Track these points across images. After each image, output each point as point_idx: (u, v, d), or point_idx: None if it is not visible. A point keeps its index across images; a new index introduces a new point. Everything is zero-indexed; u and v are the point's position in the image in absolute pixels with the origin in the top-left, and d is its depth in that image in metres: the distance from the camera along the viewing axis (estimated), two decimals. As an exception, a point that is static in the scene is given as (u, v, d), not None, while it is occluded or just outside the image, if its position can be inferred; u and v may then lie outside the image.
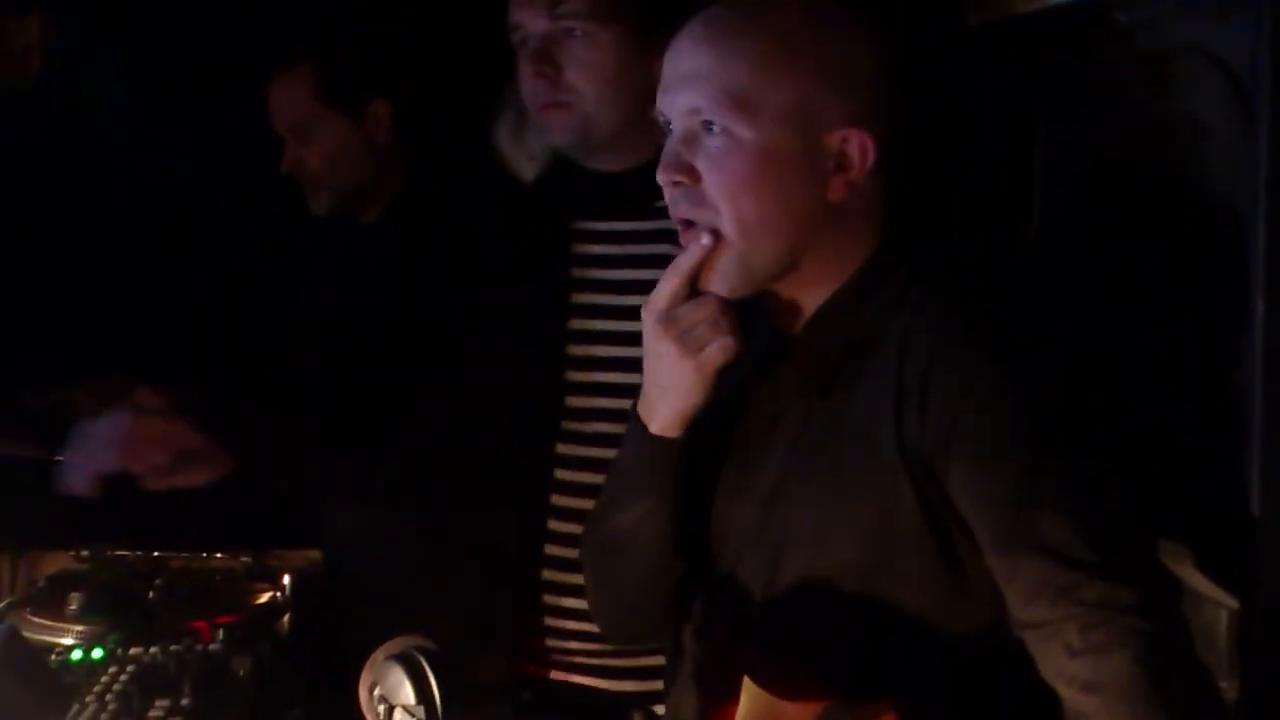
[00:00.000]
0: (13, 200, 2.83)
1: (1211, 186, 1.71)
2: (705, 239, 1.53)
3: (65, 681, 1.64)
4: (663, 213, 1.91)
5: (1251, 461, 1.60)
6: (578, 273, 2.08)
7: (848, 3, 1.59)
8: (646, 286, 1.89)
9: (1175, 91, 1.77)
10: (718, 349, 1.55)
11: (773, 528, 1.59)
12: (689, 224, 1.55)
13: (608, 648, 2.01)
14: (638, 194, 1.97)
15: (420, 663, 1.46)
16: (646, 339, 1.59)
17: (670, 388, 1.59)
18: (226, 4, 2.94)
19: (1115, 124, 1.92)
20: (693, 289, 1.56)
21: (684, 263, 1.54)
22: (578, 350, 2.06)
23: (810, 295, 1.59)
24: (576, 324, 2.06)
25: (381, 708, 1.47)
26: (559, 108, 1.99)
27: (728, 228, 1.52)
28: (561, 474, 2.06)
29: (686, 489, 1.65)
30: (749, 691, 1.39)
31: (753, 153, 1.50)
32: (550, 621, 2.07)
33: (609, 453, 1.87)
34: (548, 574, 2.06)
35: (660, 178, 1.57)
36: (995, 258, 2.14)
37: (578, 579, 1.91)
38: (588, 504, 1.90)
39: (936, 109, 2.10)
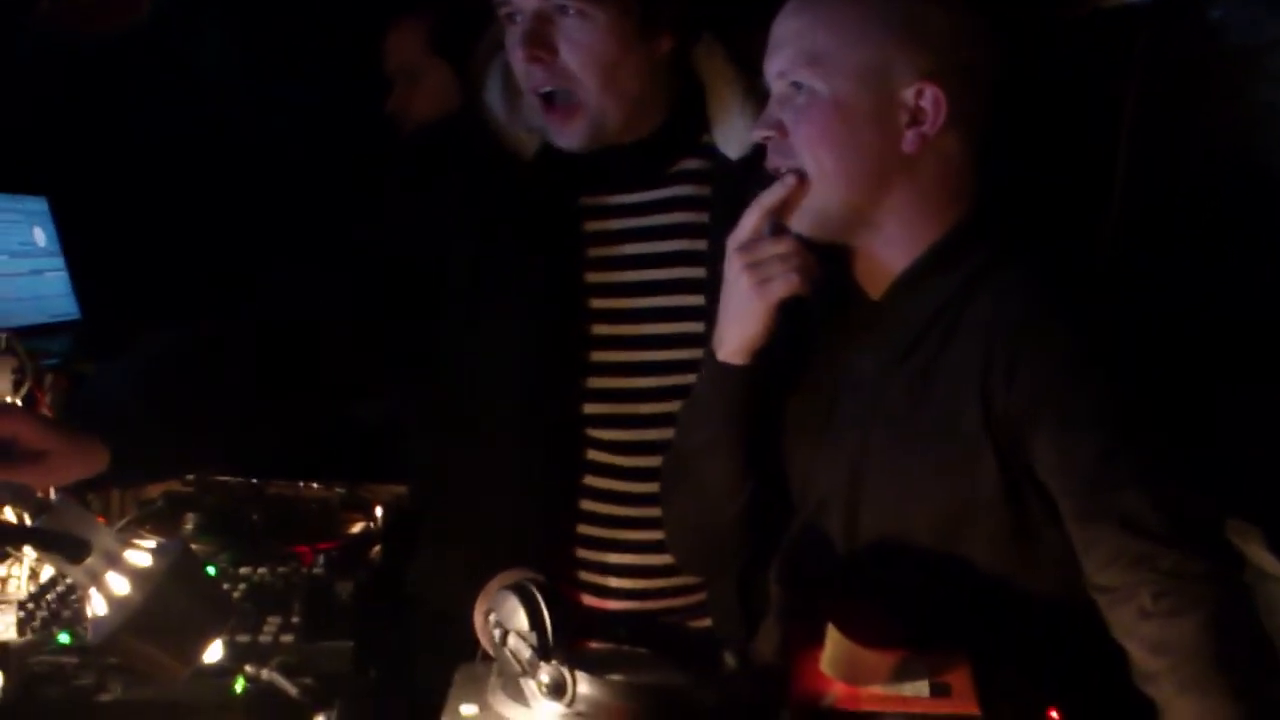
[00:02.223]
0: (115, 145, 2.93)
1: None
2: (790, 178, 1.66)
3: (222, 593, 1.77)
4: (674, 179, 2.01)
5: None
6: (595, 251, 2.01)
7: None
8: (669, 258, 2.00)
9: (1264, 85, 1.84)
10: (783, 282, 1.68)
11: (854, 485, 1.70)
12: (778, 172, 1.69)
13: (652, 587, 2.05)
14: (647, 164, 1.99)
15: (533, 593, 1.54)
16: (725, 268, 1.73)
17: (737, 315, 1.72)
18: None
19: (1204, 115, 1.97)
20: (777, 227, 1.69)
21: (767, 199, 1.68)
22: (604, 330, 2.01)
23: (894, 258, 1.70)
24: (599, 303, 2.01)
25: (497, 632, 1.55)
26: (566, 112, 1.91)
27: (809, 172, 1.65)
28: (597, 455, 2.04)
29: (754, 422, 1.77)
30: (833, 637, 1.47)
31: (829, 106, 1.64)
32: (589, 600, 2.07)
33: (652, 434, 1.98)
34: (582, 552, 2.07)
35: (754, 134, 1.73)
36: (1082, 240, 2.19)
37: (613, 558, 2.04)
38: (631, 485, 2.01)
39: (1029, 95, 2.13)
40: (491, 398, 2.05)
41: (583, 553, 2.08)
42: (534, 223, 2.01)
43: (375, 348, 2.05)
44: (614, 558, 2.07)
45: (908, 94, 1.64)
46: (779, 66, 1.69)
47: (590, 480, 2.05)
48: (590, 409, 2.03)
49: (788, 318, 1.74)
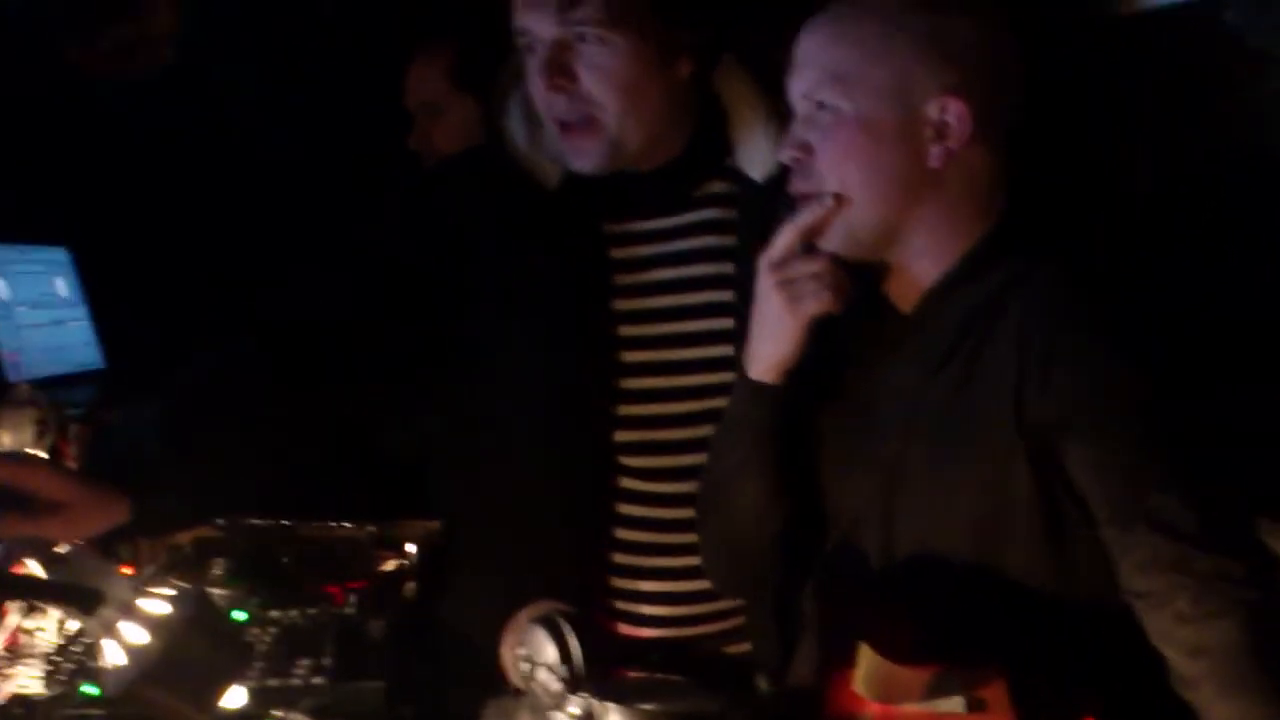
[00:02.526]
0: (146, 184, 2.94)
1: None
2: (827, 199, 1.65)
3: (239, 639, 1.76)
4: (699, 203, 2.00)
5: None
6: (622, 278, 1.99)
7: None
8: (697, 283, 1.99)
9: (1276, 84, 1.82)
10: (816, 300, 1.67)
11: (889, 498, 1.68)
12: (805, 196, 1.68)
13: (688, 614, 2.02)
14: (673, 189, 1.97)
15: (562, 625, 1.54)
16: (757, 286, 1.72)
17: (770, 334, 1.71)
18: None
19: (1223, 118, 1.96)
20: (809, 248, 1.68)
21: (802, 220, 1.67)
22: (635, 356, 1.99)
23: (924, 270, 1.69)
24: (628, 331, 1.98)
25: (526, 667, 1.55)
26: (583, 132, 1.88)
27: (837, 192, 1.65)
28: (629, 483, 2.01)
29: (787, 442, 1.76)
30: (865, 655, 1.45)
31: (854, 124, 1.63)
32: (623, 629, 2.04)
33: (684, 459, 1.96)
34: (615, 581, 2.04)
35: (780, 155, 1.72)
36: (1106, 243, 2.17)
37: (647, 585, 2.02)
38: (663, 512, 1.99)
39: (1052, 101, 2.12)
40: (523, 428, 2.03)
41: (616, 581, 2.04)
42: (560, 252, 1.99)
43: (399, 373, 2.04)
44: (648, 585, 2.05)
45: (932, 109, 1.63)
46: (802, 87, 1.69)
47: (623, 508, 2.02)
48: (621, 436, 2.00)
49: (819, 335, 1.72)
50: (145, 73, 3.09)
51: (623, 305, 1.99)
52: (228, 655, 1.52)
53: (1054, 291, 1.62)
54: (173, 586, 1.69)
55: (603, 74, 1.85)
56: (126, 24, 3.11)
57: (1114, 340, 1.57)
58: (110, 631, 1.45)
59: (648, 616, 2.05)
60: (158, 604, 1.48)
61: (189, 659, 1.45)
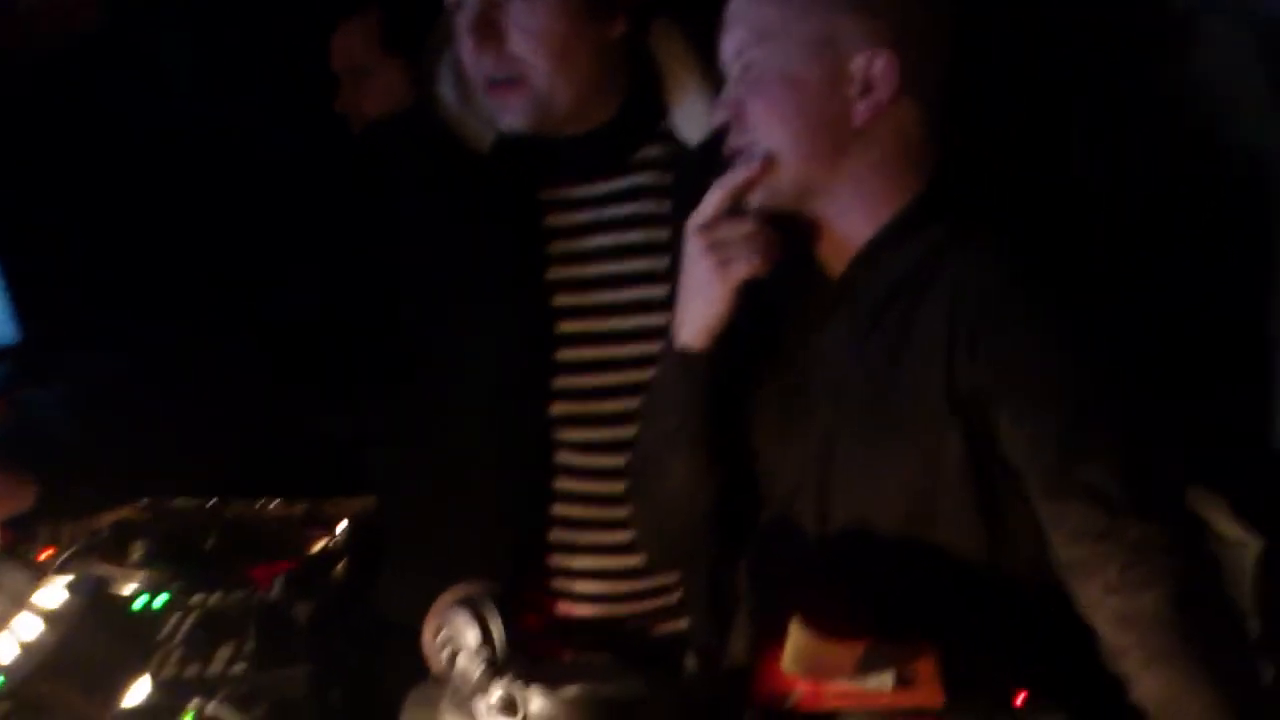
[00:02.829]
0: (65, 155, 2.87)
1: (1241, 140, 1.75)
2: (755, 160, 1.64)
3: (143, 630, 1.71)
4: (634, 168, 1.97)
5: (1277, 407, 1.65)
6: (556, 246, 1.96)
7: None
8: (633, 250, 1.96)
9: (1207, 49, 1.81)
10: (745, 263, 1.65)
11: (823, 469, 1.66)
12: (738, 153, 1.66)
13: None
14: (607, 153, 1.95)
15: (484, 608, 1.49)
16: (685, 250, 1.69)
17: (697, 298, 1.69)
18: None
19: (1151, 81, 1.95)
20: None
21: (730, 181, 1.65)
22: (571, 326, 1.96)
23: (854, 230, 1.66)
24: (563, 300, 1.96)
25: (446, 650, 1.50)
26: (510, 88, 1.86)
27: (765, 146, 1.63)
28: (566, 457, 1.98)
29: (718, 411, 1.73)
30: (795, 632, 1.44)
31: (780, 80, 1.63)
32: (560, 607, 2.01)
33: (622, 432, 1.92)
34: (551, 558, 2.01)
35: (714, 118, 1.70)
36: (1038, 210, 2.17)
37: (581, 562, 1.99)
38: (600, 486, 1.96)
39: (980, 65, 2.12)
40: (459, 399, 2.00)
41: (553, 558, 2.01)
42: (493, 218, 1.96)
43: (341, 350, 2.01)
44: (581, 561, 2.01)
45: (858, 63, 1.61)
46: (733, 46, 1.68)
47: (559, 483, 1.99)
48: (558, 409, 1.97)
49: (749, 301, 1.69)
50: (69, 40, 3.01)
51: (557, 273, 1.96)
52: (131, 647, 1.46)
53: (988, 259, 1.59)
54: (76, 574, 1.65)
55: (531, 32, 1.83)
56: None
57: (1043, 307, 1.56)
58: (3, 625, 1.39)
59: (581, 594, 2.02)
60: (55, 594, 1.42)
61: (88, 652, 1.40)
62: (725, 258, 1.65)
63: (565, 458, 1.98)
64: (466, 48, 1.87)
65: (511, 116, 1.89)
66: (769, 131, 1.63)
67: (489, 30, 1.83)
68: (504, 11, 1.83)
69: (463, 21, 1.86)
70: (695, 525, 1.80)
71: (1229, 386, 1.82)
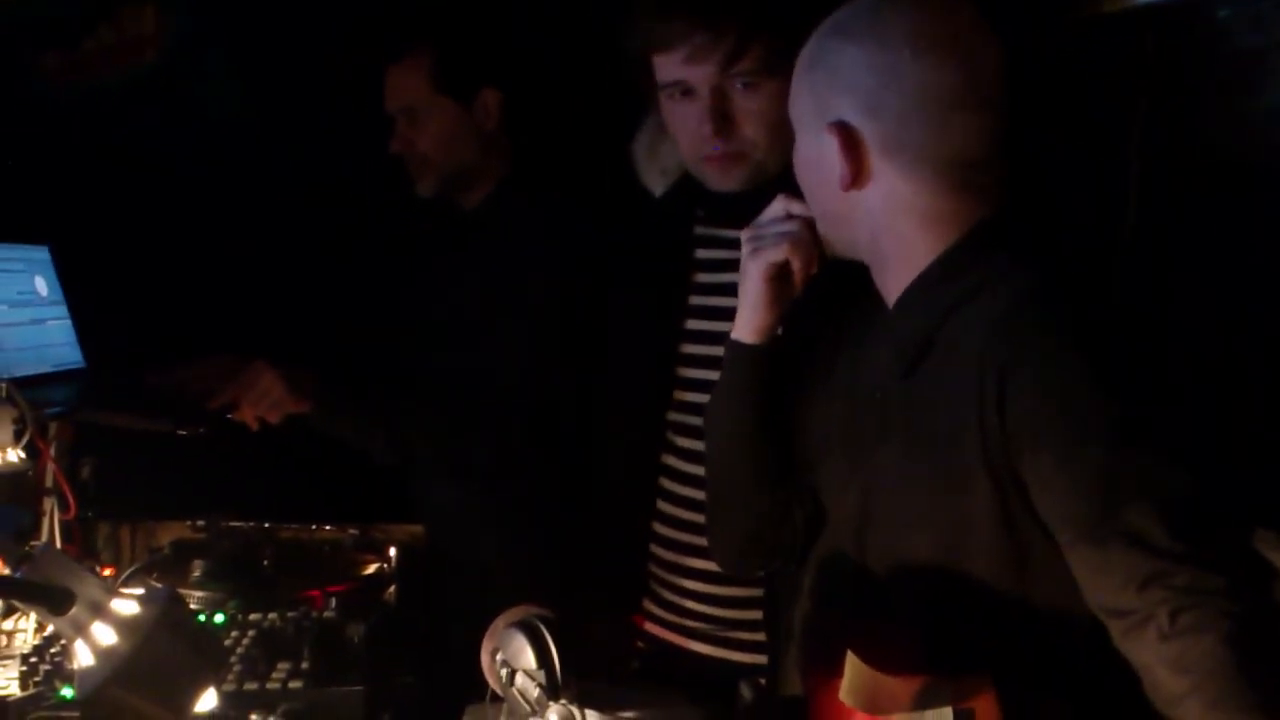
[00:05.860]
0: (131, 188, 2.92)
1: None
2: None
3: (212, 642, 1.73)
4: None
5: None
6: (699, 276, 2.15)
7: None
8: None
9: (1270, 85, 1.81)
10: (774, 249, 1.72)
11: (865, 501, 1.67)
12: None
13: (722, 615, 2.09)
14: (754, 208, 1.95)
15: (541, 629, 1.52)
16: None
17: (742, 291, 1.77)
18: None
19: (1212, 117, 1.94)
20: None
21: (793, 199, 1.74)
22: (692, 349, 2.13)
23: (903, 275, 1.65)
24: (693, 324, 2.13)
25: (504, 671, 1.53)
26: (734, 160, 2.03)
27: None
28: (674, 462, 2.14)
29: (778, 427, 1.80)
30: (852, 664, 1.41)
31: (798, 157, 1.71)
32: (668, 597, 2.15)
33: None
34: (660, 553, 2.16)
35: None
36: (1090, 250, 2.17)
37: (696, 563, 2.09)
38: (698, 493, 2.04)
39: (1034, 103, 2.12)
40: (613, 393, 2.26)
41: (662, 553, 2.17)
42: (659, 248, 2.21)
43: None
44: (691, 561, 2.13)
45: (823, 138, 1.63)
46: None
47: (665, 483, 2.16)
48: (672, 417, 2.15)
49: (814, 327, 1.78)
50: (127, 77, 3.08)
51: (695, 300, 2.15)
52: (202, 658, 1.49)
53: (1012, 306, 1.56)
54: (145, 587, 1.67)
55: (759, 117, 2.00)
56: (109, 27, 3.10)
57: (1074, 354, 1.50)
58: (81, 632, 1.42)
59: (689, 591, 2.14)
60: (129, 605, 1.45)
61: (161, 661, 1.42)
62: (758, 246, 1.73)
63: (671, 461, 2.15)
64: (690, 127, 2.04)
65: (732, 182, 2.05)
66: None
67: (724, 116, 2.00)
68: (734, 102, 2.00)
69: (691, 107, 2.02)
70: (761, 529, 1.85)
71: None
